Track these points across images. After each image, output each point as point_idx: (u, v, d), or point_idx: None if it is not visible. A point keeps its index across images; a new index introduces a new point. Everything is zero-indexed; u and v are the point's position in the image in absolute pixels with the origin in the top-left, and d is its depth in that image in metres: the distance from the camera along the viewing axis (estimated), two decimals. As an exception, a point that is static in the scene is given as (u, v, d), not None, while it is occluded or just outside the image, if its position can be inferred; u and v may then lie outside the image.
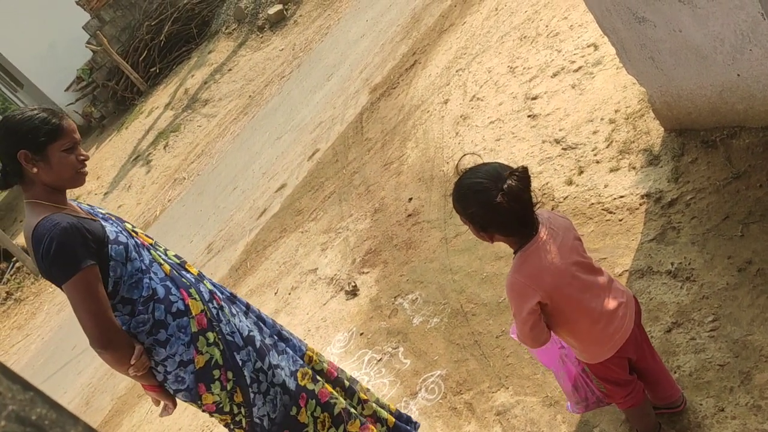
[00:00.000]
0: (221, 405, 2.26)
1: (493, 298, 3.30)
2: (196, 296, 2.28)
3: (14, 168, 2.11)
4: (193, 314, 2.23)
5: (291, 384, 2.40)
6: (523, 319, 1.88)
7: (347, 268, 4.54)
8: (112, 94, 16.66)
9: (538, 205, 1.89)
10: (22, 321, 11.61)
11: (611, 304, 1.92)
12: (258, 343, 2.37)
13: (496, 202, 1.74)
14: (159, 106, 14.27)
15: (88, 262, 2.02)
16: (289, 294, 4.88)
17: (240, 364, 2.29)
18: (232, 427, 2.32)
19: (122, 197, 12.32)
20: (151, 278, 2.19)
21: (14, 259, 12.92)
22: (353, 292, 4.25)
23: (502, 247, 3.24)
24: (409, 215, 4.45)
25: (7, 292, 12.28)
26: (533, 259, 1.85)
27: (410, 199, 4.59)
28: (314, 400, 2.46)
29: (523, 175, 1.76)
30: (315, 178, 6.27)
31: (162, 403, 2.34)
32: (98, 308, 2.03)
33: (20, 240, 14.01)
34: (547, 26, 4.80)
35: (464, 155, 1.94)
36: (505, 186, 1.74)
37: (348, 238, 4.86)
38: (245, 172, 8.52)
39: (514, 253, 1.91)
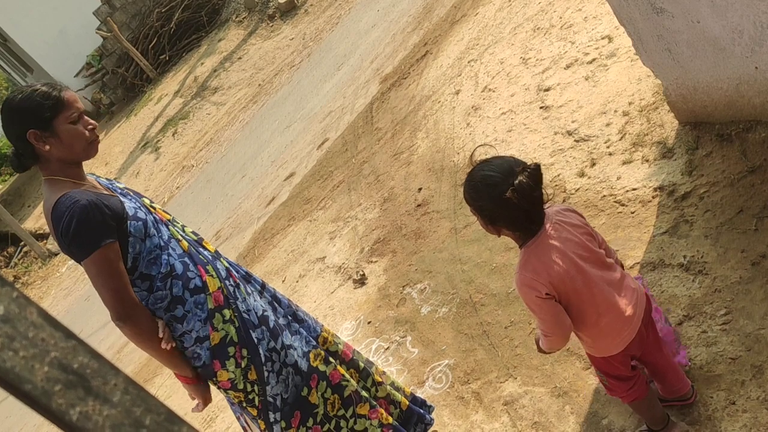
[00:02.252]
0: (236, 382, 2.25)
1: (503, 288, 3.29)
2: (213, 273, 2.28)
3: (26, 149, 2.09)
4: (210, 291, 2.23)
5: (303, 365, 2.40)
6: (541, 308, 1.87)
7: (355, 257, 4.54)
8: (121, 80, 16.68)
9: (548, 204, 1.88)
10: (29, 305, 11.67)
11: (621, 301, 1.91)
12: (272, 323, 2.37)
13: (506, 197, 1.73)
14: (168, 93, 14.28)
15: (107, 240, 2.01)
16: (297, 282, 4.88)
17: (255, 341, 2.29)
18: (244, 405, 2.32)
19: (130, 183, 12.35)
20: (169, 254, 2.18)
21: (22, 243, 12.98)
22: (361, 281, 4.25)
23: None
24: (419, 205, 4.44)
25: (14, 276, 12.34)
26: (537, 255, 1.85)
27: (420, 189, 4.58)
28: (325, 382, 2.45)
29: (534, 172, 1.75)
30: (324, 167, 6.27)
31: (196, 400, 2.34)
32: (118, 284, 2.04)
33: (28, 224, 14.09)
34: (560, 18, 4.77)
35: (477, 146, 1.93)
36: (516, 182, 1.73)
37: (357, 227, 4.86)
38: (254, 161, 8.52)
39: (519, 248, 1.91)
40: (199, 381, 2.26)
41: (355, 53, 8.55)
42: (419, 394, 3.17)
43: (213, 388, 2.37)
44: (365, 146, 5.89)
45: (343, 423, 2.49)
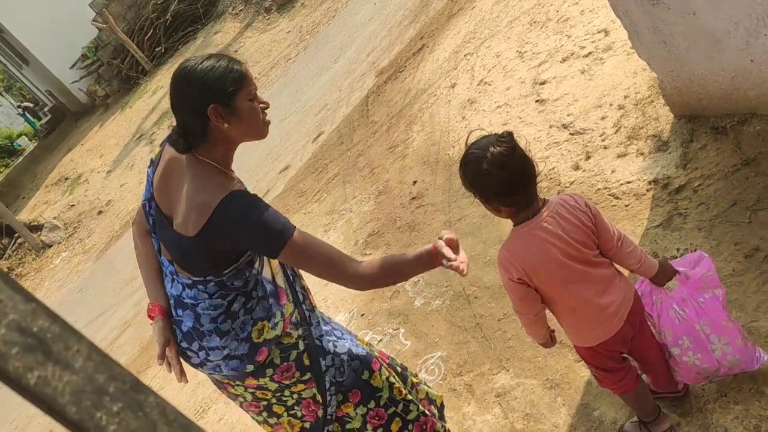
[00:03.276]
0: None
1: (496, 281, 3.28)
2: (290, 296, 2.15)
3: (200, 125, 1.88)
4: (285, 315, 2.11)
5: (359, 350, 2.27)
6: (509, 287, 1.93)
7: (350, 249, 4.53)
8: (116, 72, 16.61)
9: (539, 177, 1.86)
10: (22, 297, 11.65)
11: (601, 300, 1.90)
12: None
13: (483, 169, 1.75)
14: (164, 85, 14.21)
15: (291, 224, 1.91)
16: (291, 274, 4.87)
17: (323, 369, 2.16)
18: (273, 402, 2.20)
19: (125, 176, 12.31)
20: (257, 274, 2.08)
21: (16, 235, 12.93)
22: (355, 273, 4.23)
23: (506, 231, 3.23)
24: (413, 198, 4.43)
25: (8, 268, 12.30)
26: (523, 239, 1.86)
27: (414, 182, 4.57)
28: (385, 366, 2.36)
29: (504, 140, 1.75)
30: (319, 159, 6.25)
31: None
32: (330, 250, 1.93)
33: (23, 216, 14.03)
34: (557, 11, 4.75)
35: (471, 131, 1.92)
36: (488, 154, 1.74)
37: (351, 219, 4.85)
38: (249, 153, 8.49)
39: (513, 225, 1.91)
40: None
41: (352, 46, 8.52)
42: (412, 386, 3.16)
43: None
44: (360, 139, 5.87)
45: (412, 407, 2.36)
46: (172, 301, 2.06)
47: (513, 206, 1.85)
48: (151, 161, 2.11)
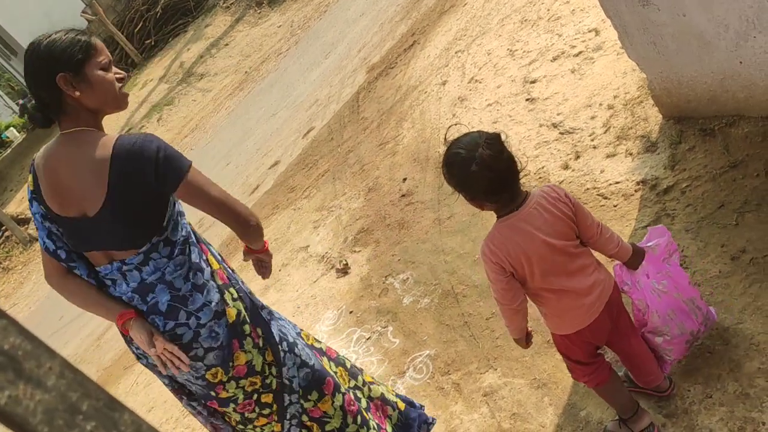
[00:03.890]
0: (253, 364, 2.13)
1: (485, 280, 3.27)
2: (213, 252, 2.21)
3: (54, 97, 1.91)
4: (215, 268, 2.14)
5: (300, 343, 2.32)
6: (492, 278, 1.96)
7: (339, 246, 4.52)
8: (106, 65, 16.46)
9: (522, 172, 1.90)
10: (9, 290, 11.54)
11: (581, 288, 1.96)
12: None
13: (472, 170, 1.79)
14: (153, 78, 14.13)
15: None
16: (280, 271, 4.85)
17: (267, 320, 2.21)
18: (261, 390, 2.18)
19: (114, 169, 12.23)
20: (186, 222, 2.12)
21: (3, 228, 12.82)
22: (344, 271, 4.23)
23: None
24: (403, 195, 4.42)
25: (-5, 261, 12.21)
26: (506, 231, 1.91)
27: (404, 179, 4.56)
28: (326, 357, 2.40)
29: (493, 141, 1.81)
30: (309, 155, 6.23)
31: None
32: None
33: (10, 209, 13.91)
34: (548, 10, 4.75)
35: (450, 126, 1.96)
36: (477, 155, 1.78)
37: (341, 216, 4.84)
38: (239, 148, 8.46)
39: (497, 219, 1.95)
40: None
41: (343, 42, 8.50)
42: (399, 384, 3.16)
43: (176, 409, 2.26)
44: (351, 135, 5.85)
45: (359, 393, 2.42)
46: (135, 299, 2.04)
47: (498, 202, 1.90)
48: (31, 194, 2.07)
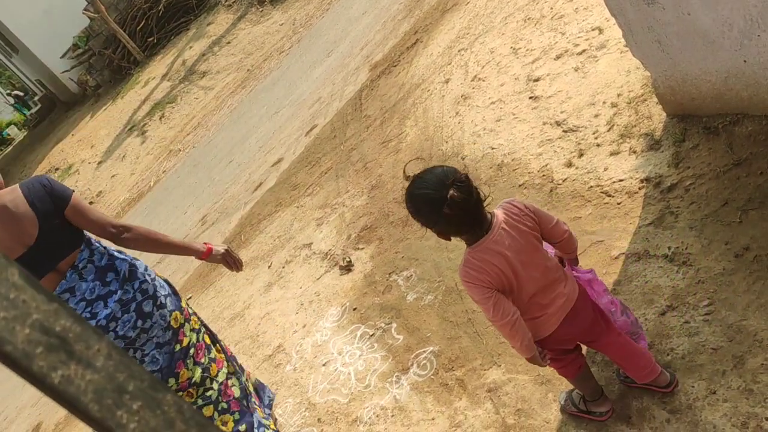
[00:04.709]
0: (184, 306, 2.84)
1: (488, 277, 3.30)
2: None
3: None
4: None
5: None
6: (480, 300, 2.00)
7: (342, 243, 4.54)
8: (108, 62, 16.49)
9: (487, 201, 1.96)
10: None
11: (551, 297, 2.07)
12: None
13: (444, 212, 1.84)
14: (156, 76, 14.15)
15: None
16: (283, 267, 4.87)
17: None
18: (198, 330, 2.87)
19: (116, 167, 12.26)
20: None
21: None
22: (348, 268, 4.25)
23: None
24: (407, 193, 4.43)
25: (-3, 258, 12.22)
26: (479, 255, 1.96)
27: (408, 176, 4.57)
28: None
29: (463, 184, 1.85)
30: (312, 153, 6.24)
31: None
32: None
33: None
34: (551, 8, 4.76)
35: (408, 162, 2.04)
36: (449, 196, 1.82)
37: (344, 213, 4.85)
38: (242, 146, 8.47)
39: (467, 246, 2.00)
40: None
41: (345, 40, 8.51)
42: (404, 380, 3.18)
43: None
44: (354, 133, 5.87)
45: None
46: (97, 287, 2.50)
47: (468, 233, 1.97)
48: None
